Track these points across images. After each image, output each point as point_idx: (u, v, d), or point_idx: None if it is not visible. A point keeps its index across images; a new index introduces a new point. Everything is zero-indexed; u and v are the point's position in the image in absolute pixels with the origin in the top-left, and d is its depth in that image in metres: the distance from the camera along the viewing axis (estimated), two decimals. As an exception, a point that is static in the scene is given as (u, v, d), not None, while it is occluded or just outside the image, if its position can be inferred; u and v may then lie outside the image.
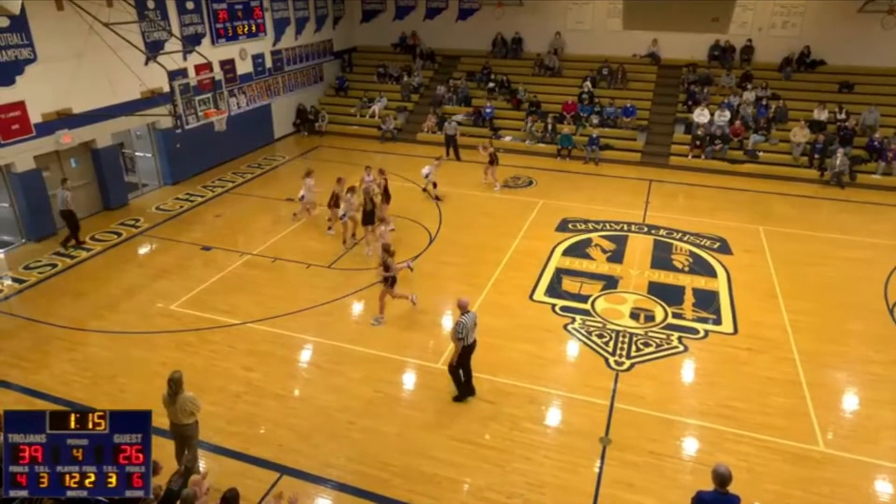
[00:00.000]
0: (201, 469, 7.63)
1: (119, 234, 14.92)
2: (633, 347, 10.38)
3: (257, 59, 21.11)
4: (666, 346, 10.42)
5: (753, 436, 8.50)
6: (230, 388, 9.47)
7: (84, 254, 13.91)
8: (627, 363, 9.99)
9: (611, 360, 10.08)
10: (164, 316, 11.42)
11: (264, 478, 7.79)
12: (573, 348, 10.47)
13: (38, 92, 13.90)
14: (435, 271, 13.04)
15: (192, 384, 9.39)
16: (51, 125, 14.32)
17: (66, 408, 8.79)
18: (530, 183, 18.34)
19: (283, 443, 8.38)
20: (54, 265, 13.40)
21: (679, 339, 10.64)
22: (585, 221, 15.39)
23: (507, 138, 21.66)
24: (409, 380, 9.77)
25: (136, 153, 18.05)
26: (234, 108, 19.86)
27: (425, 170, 16.79)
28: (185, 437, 7.46)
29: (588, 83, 22.28)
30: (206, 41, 18.59)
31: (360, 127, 23.30)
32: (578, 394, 9.30)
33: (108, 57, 14.74)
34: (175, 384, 7.23)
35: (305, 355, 10.52)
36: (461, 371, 9.05)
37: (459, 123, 22.03)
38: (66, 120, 14.58)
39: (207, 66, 17.67)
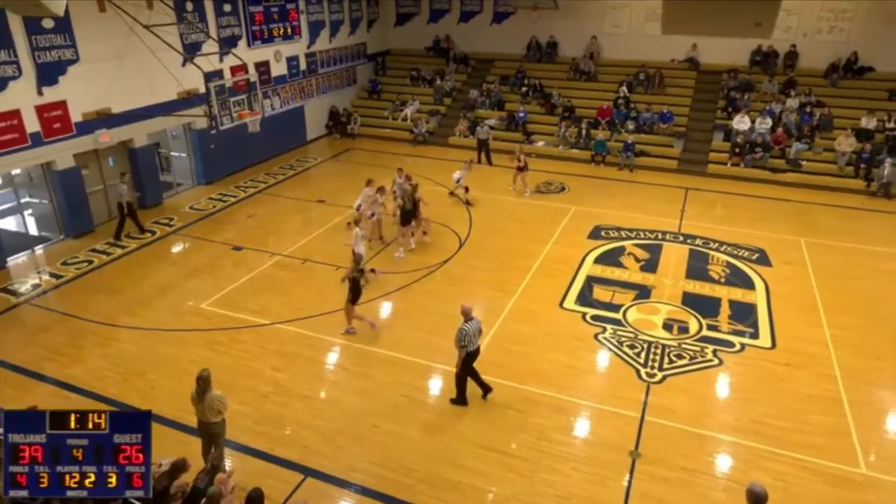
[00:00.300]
0: (227, 468, 7.75)
1: (153, 233, 15.29)
2: (666, 359, 10.23)
3: (292, 61, 21.44)
4: (700, 359, 10.24)
5: (791, 455, 8.28)
6: (258, 387, 9.62)
7: (119, 251, 14.28)
8: (659, 375, 9.85)
9: (642, 371, 9.95)
10: (195, 314, 11.66)
11: (289, 479, 7.88)
12: (604, 358, 10.36)
13: (79, 92, 14.35)
14: (464, 276, 13.04)
15: (222, 383, 9.57)
16: (90, 124, 14.77)
17: (101, 403, 9.05)
18: (563, 189, 18.23)
19: (308, 444, 8.46)
20: (90, 261, 13.79)
21: (714, 352, 10.44)
22: (619, 229, 15.23)
23: (540, 143, 21.57)
24: (435, 385, 9.78)
25: (172, 153, 18.49)
26: (268, 110, 20.19)
27: (456, 174, 16.82)
28: (212, 436, 7.59)
29: (624, 88, 22.06)
30: (241, 43, 18.96)
31: (392, 130, 23.47)
32: (608, 405, 9.20)
33: (147, 58, 15.15)
34: (203, 382, 7.36)
35: (333, 357, 10.62)
36: (468, 375, 9.08)
37: (492, 128, 22.02)
38: (105, 119, 15.02)
39: (243, 67, 18.01)
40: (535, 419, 8.91)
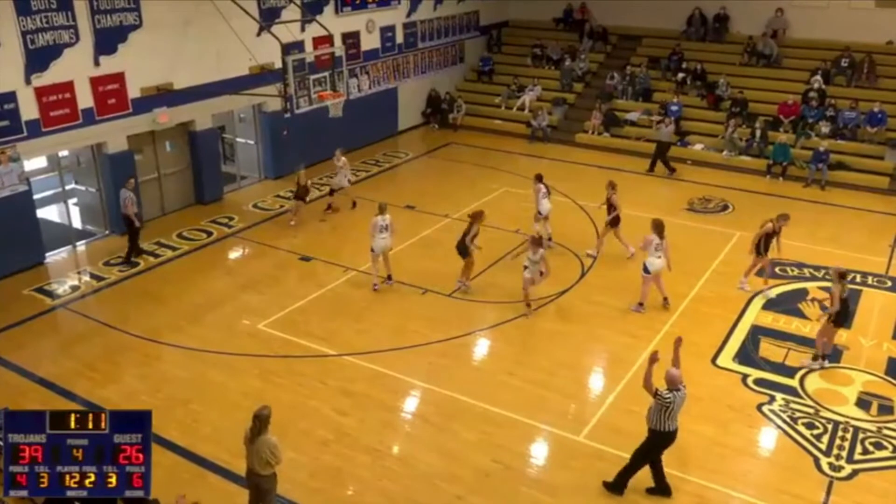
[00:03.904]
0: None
1: (209, 233, 16.23)
2: (859, 448, 9.67)
3: (386, 32, 22.22)
4: (909, 452, 9.61)
5: None
6: (317, 432, 9.91)
7: (170, 253, 15.26)
8: (848, 469, 9.31)
9: (823, 461, 9.44)
10: (250, 336, 12.22)
11: (347, 551, 8.02)
12: (769, 438, 9.97)
13: (139, 63, 15.57)
14: (585, 313, 12.89)
15: (275, 423, 9.87)
16: (149, 101, 15.97)
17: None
18: (725, 208, 17.68)
19: (373, 511, 8.60)
20: (136, 263, 14.81)
21: (930, 444, 9.71)
22: (801, 266, 14.60)
23: (698, 146, 21.03)
24: (539, 452, 9.68)
25: (238, 139, 19.59)
26: (354, 91, 20.96)
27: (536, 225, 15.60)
28: (260, 491, 7.83)
29: (818, 78, 21.18)
30: (328, 9, 19.89)
31: (504, 122, 23.68)
32: (770, 502, 8.80)
33: (218, 25, 16.13)
34: (260, 422, 7.58)
35: (410, 404, 10.77)
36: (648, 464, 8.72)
37: (633, 123, 21.74)
38: (165, 96, 16.18)
39: (328, 39, 18.81)
40: (668, 510, 8.63)
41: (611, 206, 14.55)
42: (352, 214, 17.31)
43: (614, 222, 14.64)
